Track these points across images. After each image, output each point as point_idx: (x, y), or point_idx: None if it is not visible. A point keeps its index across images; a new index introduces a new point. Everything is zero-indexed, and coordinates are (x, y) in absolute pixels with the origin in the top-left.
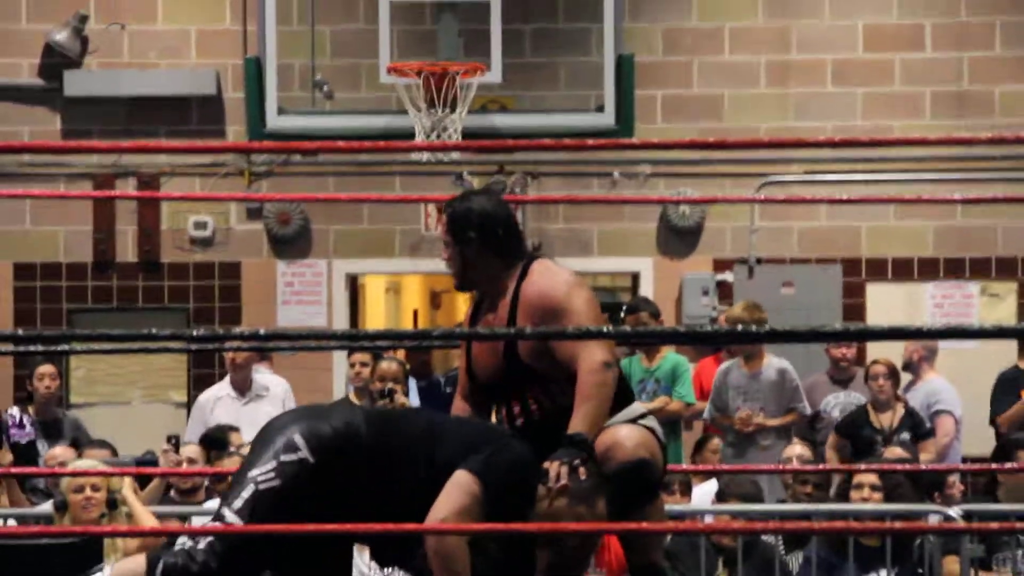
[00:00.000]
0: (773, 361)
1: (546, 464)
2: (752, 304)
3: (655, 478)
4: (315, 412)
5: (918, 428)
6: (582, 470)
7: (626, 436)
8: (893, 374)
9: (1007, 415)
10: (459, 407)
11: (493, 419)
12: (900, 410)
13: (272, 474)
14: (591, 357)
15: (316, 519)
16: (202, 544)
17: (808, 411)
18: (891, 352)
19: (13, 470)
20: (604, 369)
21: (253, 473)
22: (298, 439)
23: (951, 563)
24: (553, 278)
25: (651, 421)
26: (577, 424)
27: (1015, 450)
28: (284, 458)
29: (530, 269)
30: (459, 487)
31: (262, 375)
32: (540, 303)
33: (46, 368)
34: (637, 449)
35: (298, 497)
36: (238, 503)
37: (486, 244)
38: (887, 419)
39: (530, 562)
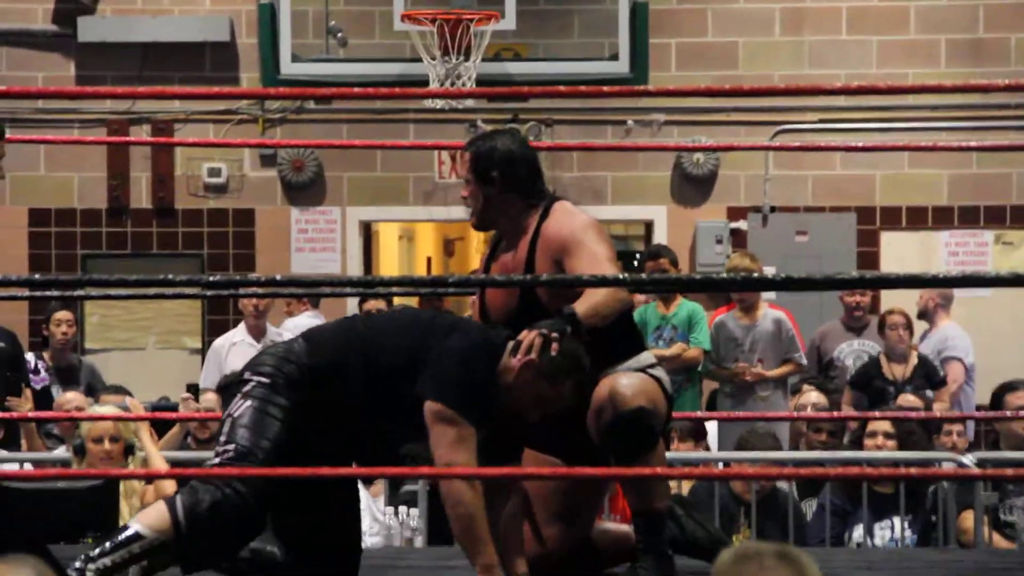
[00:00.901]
0: (769, 312)
1: (523, 333)
2: (749, 254)
3: (655, 426)
4: (263, 350)
5: (932, 377)
6: (555, 345)
7: (626, 384)
8: (909, 324)
9: None
10: None
11: None
12: (913, 360)
13: (240, 404)
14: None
15: (301, 442)
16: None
17: (804, 361)
18: (905, 300)
19: (31, 415)
20: (609, 293)
21: (227, 413)
22: (247, 375)
23: (966, 520)
24: (572, 217)
25: (659, 371)
26: (576, 304)
27: (1004, 396)
28: (244, 390)
29: (552, 209)
30: (438, 422)
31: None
32: (557, 239)
33: (63, 314)
34: (636, 397)
35: (273, 416)
36: (223, 438)
37: (508, 184)
38: (900, 370)
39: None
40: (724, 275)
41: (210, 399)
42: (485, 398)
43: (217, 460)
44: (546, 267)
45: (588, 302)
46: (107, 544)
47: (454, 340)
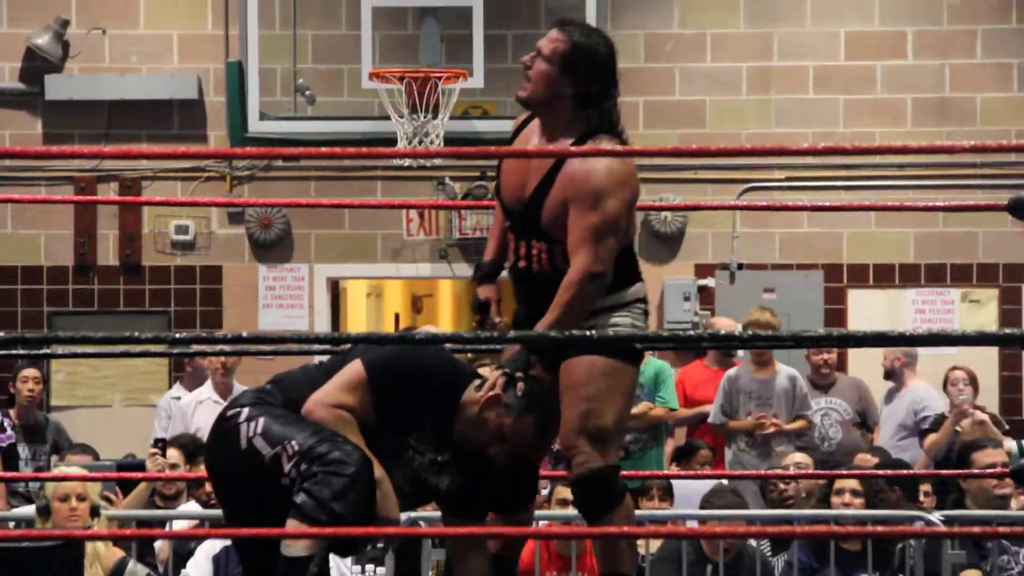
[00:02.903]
0: (783, 368)
1: (491, 374)
2: (769, 309)
3: (613, 489)
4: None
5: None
6: (520, 385)
7: (583, 436)
8: (973, 381)
9: None
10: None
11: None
12: (978, 416)
13: (252, 424)
14: (584, 261)
15: None
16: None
17: (815, 420)
18: (871, 359)
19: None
20: (588, 279)
21: (245, 437)
22: (231, 411)
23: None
24: (599, 165)
25: (628, 319)
26: (541, 323)
27: (971, 454)
28: (240, 419)
29: (596, 139)
30: (347, 371)
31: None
32: (575, 180)
33: (30, 371)
34: (593, 455)
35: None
36: (269, 451)
37: (580, 93)
38: (967, 425)
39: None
40: (692, 332)
41: (174, 455)
42: (413, 391)
43: (291, 467)
44: (558, 196)
45: (553, 320)
46: None
47: (428, 352)
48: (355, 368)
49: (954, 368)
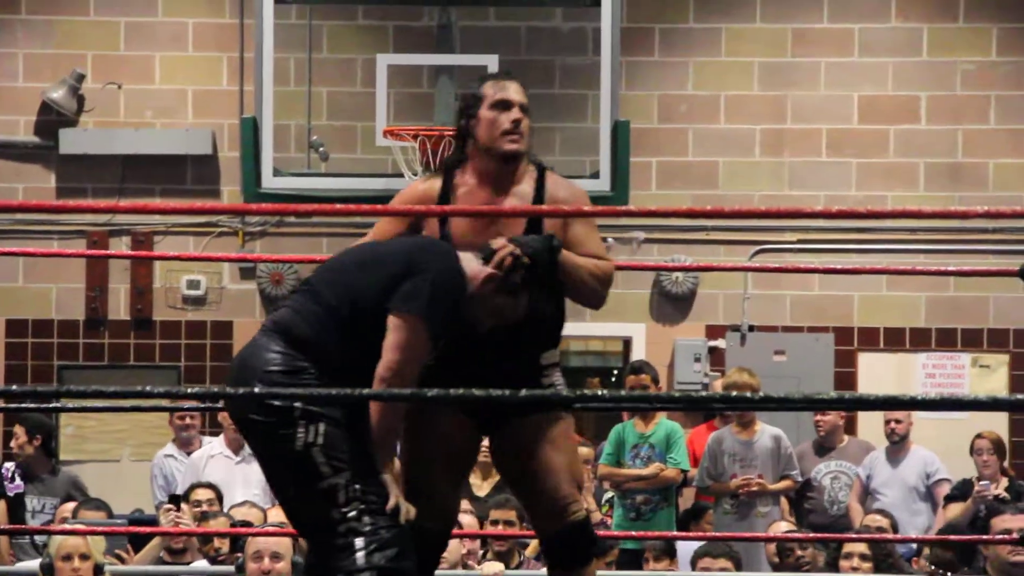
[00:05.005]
0: (766, 428)
1: (499, 241)
2: (747, 369)
3: (597, 543)
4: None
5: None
6: (521, 271)
7: (570, 479)
8: (998, 449)
9: None
10: None
11: None
12: (1004, 483)
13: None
14: (611, 265)
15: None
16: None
17: (800, 479)
18: (876, 422)
19: (3, 526)
20: (610, 279)
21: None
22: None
23: None
24: (575, 185)
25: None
26: (575, 258)
27: (989, 519)
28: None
29: (548, 172)
30: (400, 328)
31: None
32: (581, 201)
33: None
34: (580, 500)
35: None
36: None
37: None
38: (992, 489)
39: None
40: (705, 393)
41: (185, 509)
42: (453, 317)
43: (347, 509)
44: (555, 225)
45: (581, 261)
46: None
47: (432, 261)
48: (412, 326)
49: (979, 436)
